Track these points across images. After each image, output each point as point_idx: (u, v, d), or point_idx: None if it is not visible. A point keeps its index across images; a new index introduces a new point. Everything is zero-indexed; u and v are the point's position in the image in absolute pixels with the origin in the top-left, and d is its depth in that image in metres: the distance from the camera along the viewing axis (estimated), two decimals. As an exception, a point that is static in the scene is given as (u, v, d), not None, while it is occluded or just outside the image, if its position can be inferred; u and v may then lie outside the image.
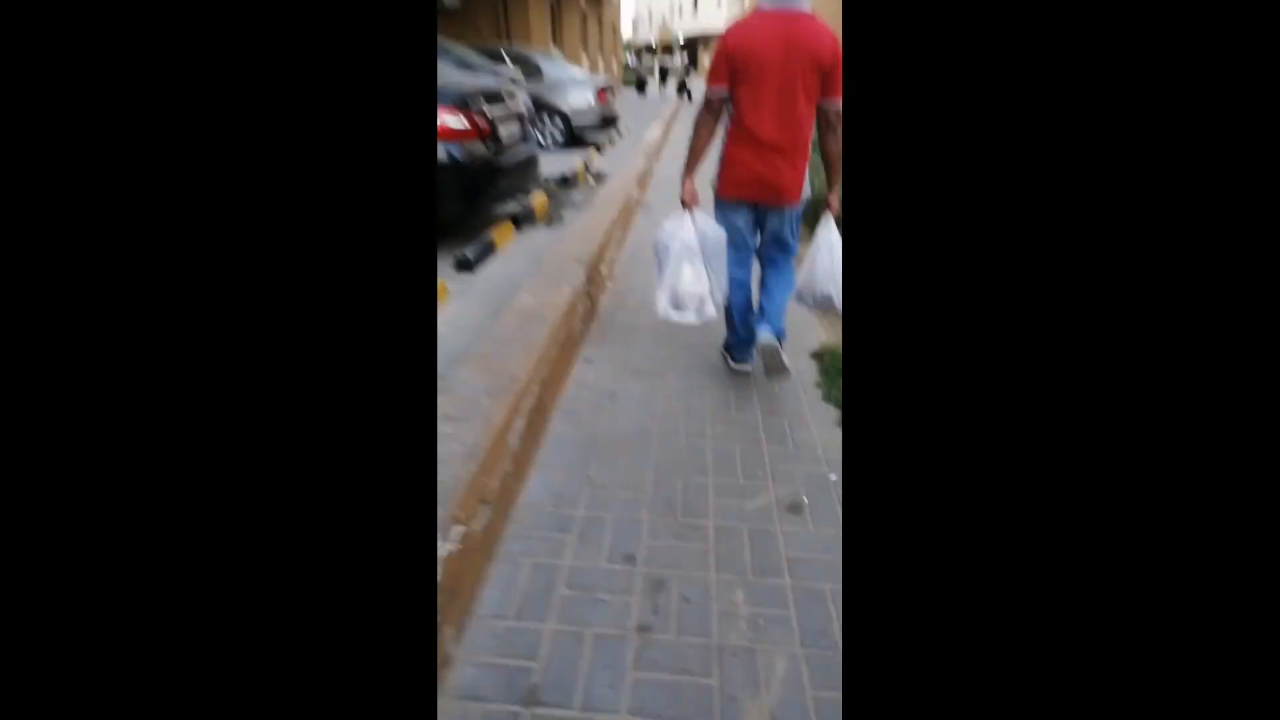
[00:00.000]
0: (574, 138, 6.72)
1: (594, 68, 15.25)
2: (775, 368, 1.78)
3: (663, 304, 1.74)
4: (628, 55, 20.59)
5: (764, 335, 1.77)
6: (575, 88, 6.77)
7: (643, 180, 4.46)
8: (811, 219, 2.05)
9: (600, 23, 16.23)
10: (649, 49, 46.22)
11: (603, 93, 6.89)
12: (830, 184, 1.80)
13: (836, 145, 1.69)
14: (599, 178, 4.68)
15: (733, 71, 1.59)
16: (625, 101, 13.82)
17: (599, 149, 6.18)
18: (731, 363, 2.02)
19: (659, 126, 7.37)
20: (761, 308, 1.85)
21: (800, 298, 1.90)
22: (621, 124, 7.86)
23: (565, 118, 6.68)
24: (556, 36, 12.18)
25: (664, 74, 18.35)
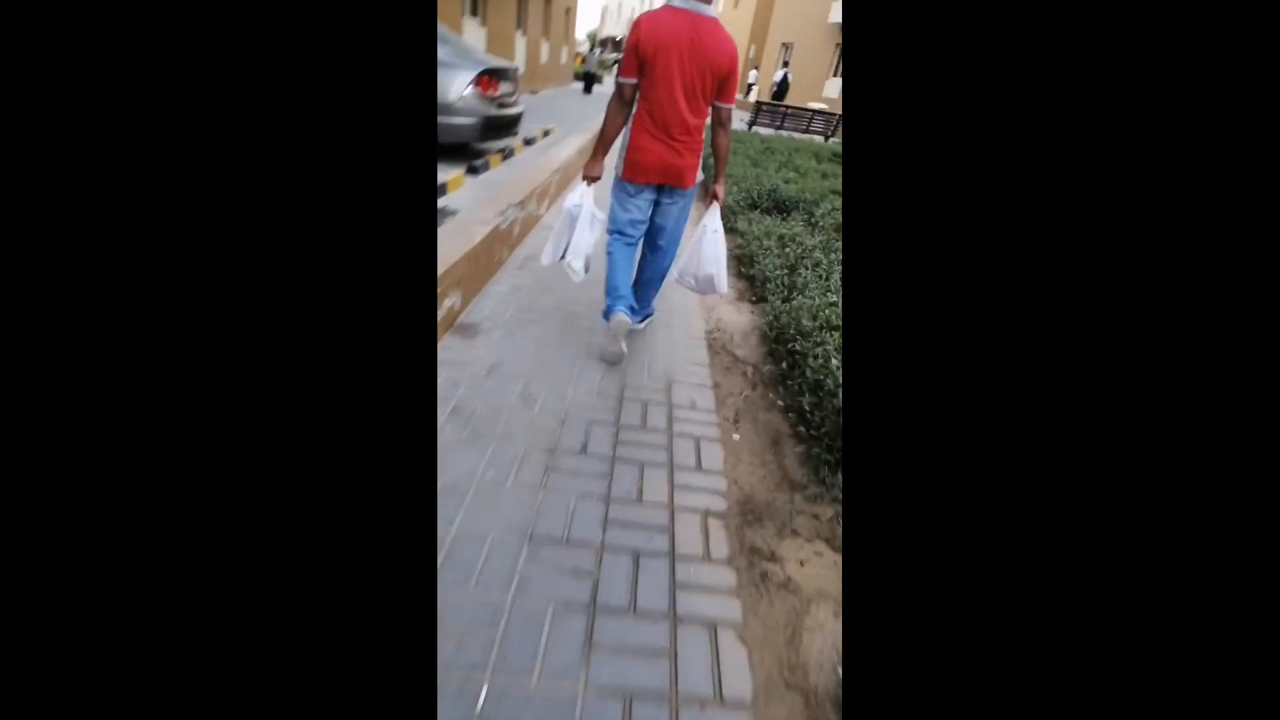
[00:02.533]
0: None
1: (533, 57, 14.14)
2: (612, 345, 2.02)
3: (549, 255, 2.06)
4: (591, 48, 19.16)
5: (618, 312, 1.96)
6: (439, 71, 4.40)
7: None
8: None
9: (549, 3, 15.06)
10: (614, 42, 45.63)
11: (486, 80, 4.54)
12: (717, 175, 2.02)
13: (726, 141, 1.94)
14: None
15: (641, 62, 1.73)
16: (566, 101, 12.95)
17: (473, 169, 4.43)
18: (607, 325, 2.13)
19: (587, 138, 6.05)
20: (631, 308, 2.01)
21: (682, 279, 2.10)
22: (543, 127, 7.02)
23: None
24: (476, 7, 10.52)
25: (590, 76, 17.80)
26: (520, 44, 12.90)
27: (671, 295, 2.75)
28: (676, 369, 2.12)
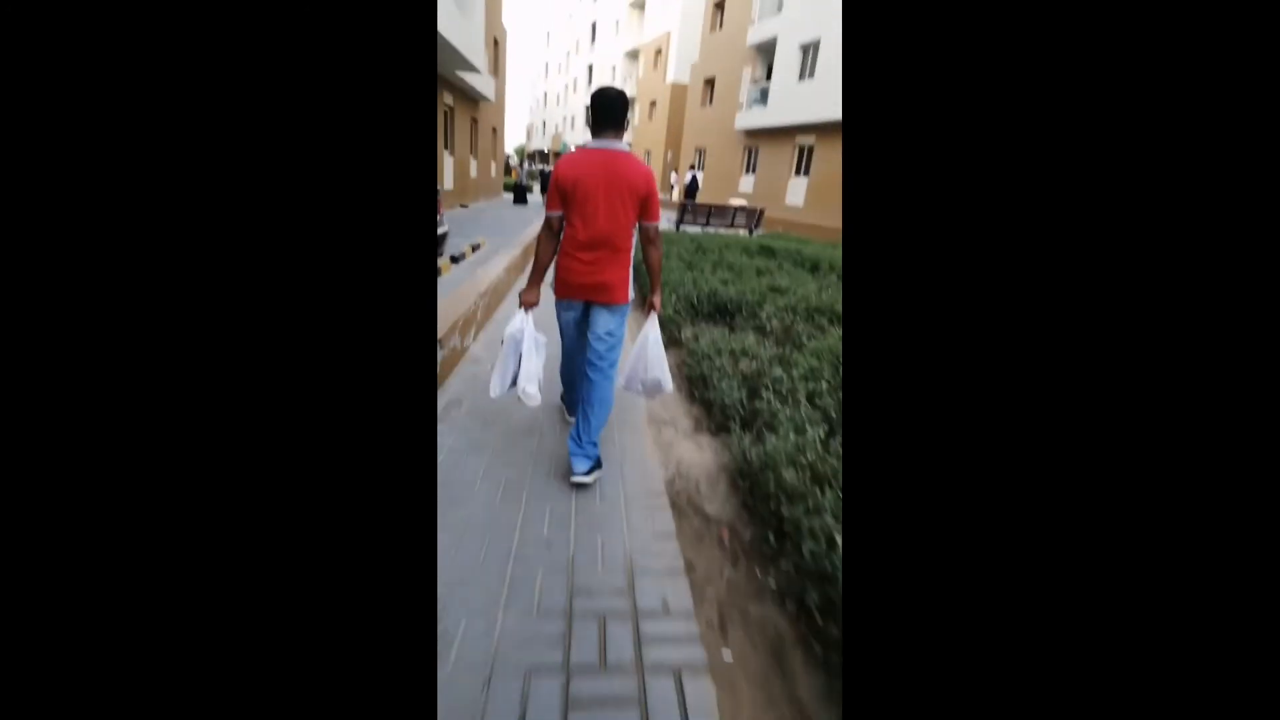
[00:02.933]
0: None
1: (463, 174, 14.49)
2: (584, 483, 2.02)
3: (498, 385, 2.06)
4: (520, 162, 20.02)
5: (578, 473, 2.00)
6: None
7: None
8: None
9: (475, 124, 15.67)
10: (542, 156, 48.38)
11: None
12: (653, 287, 2.13)
13: (656, 256, 2.04)
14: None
15: (563, 196, 1.91)
16: (497, 211, 13.13)
17: None
18: (568, 415, 2.46)
19: (517, 253, 5.83)
20: (578, 434, 2.03)
21: (630, 385, 2.19)
22: (471, 242, 6.86)
23: None
24: (447, 140, 11.16)
25: (545, 181, 18.20)
26: (449, 162, 13.18)
27: (621, 436, 2.40)
28: (638, 548, 1.69)
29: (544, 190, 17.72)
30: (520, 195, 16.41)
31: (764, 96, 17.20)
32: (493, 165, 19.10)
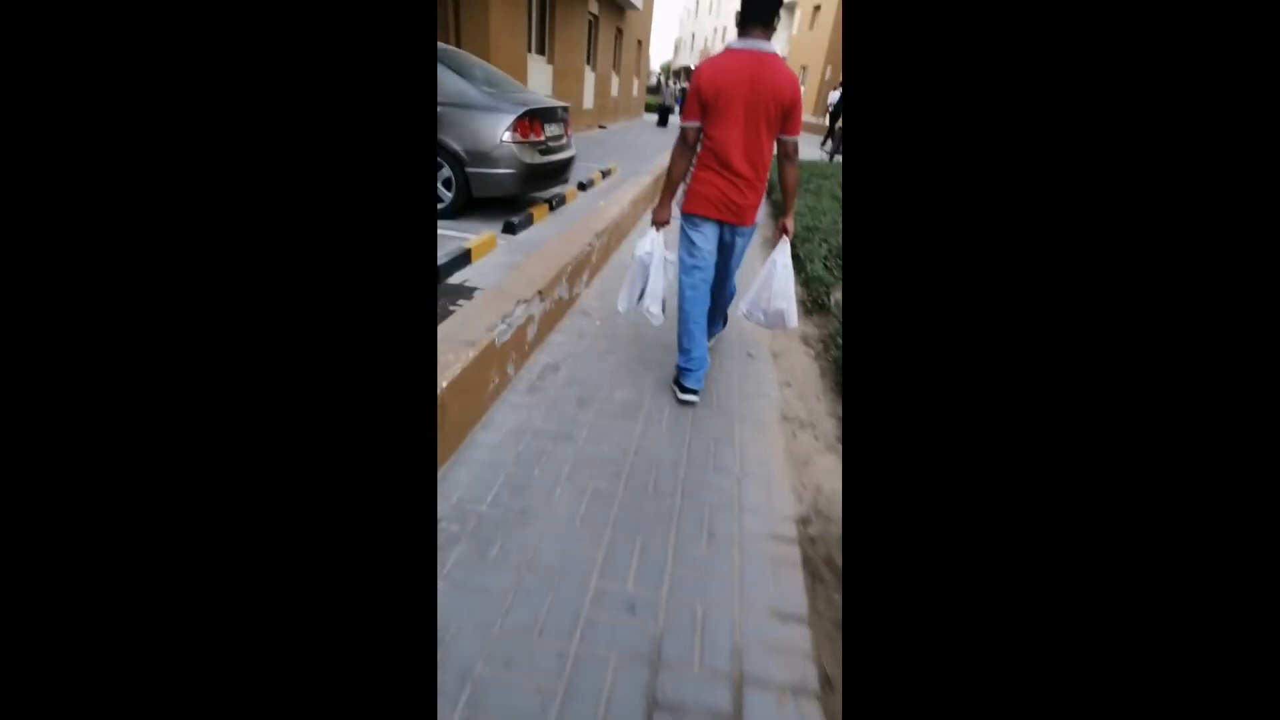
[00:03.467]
0: (471, 200, 3.85)
1: (603, 92, 13.78)
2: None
3: (625, 301, 2.08)
4: (663, 78, 18.45)
5: (690, 393, 2.03)
6: (474, 116, 3.73)
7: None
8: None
9: (620, 36, 14.72)
10: (689, 73, 45.73)
11: (527, 124, 3.86)
12: (786, 209, 2.00)
13: (793, 174, 1.95)
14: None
15: (703, 106, 1.76)
16: (637, 134, 12.42)
17: (510, 226, 3.69)
18: (679, 394, 2.09)
19: (648, 181, 5.21)
20: (712, 312, 2.13)
21: (750, 314, 2.09)
22: (602, 167, 6.27)
23: (458, 162, 3.74)
24: (543, 44, 9.74)
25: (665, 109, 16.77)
26: (589, 79, 12.59)
27: (743, 434, 1.88)
28: (751, 635, 1.20)
29: (660, 113, 15.62)
30: (663, 117, 15.47)
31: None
32: (635, 82, 18.13)
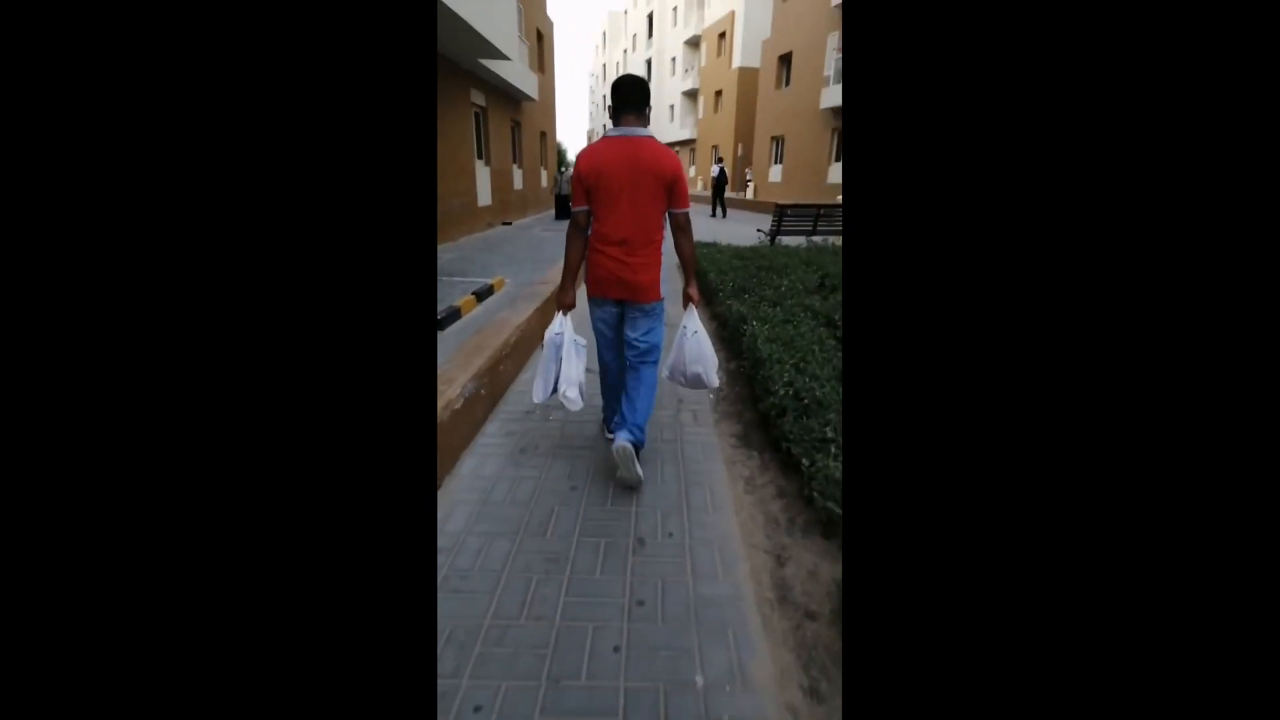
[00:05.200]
0: None
1: (502, 186, 12.54)
2: (626, 471, 1.89)
3: (540, 391, 1.98)
4: (559, 168, 17.05)
5: (620, 440, 1.88)
6: None
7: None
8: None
9: (518, 128, 13.64)
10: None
11: None
12: (687, 279, 1.99)
13: (688, 245, 1.92)
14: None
15: (587, 190, 1.81)
16: (545, 228, 10.91)
17: None
18: (608, 433, 2.21)
19: (548, 290, 3.93)
20: (623, 415, 1.96)
21: (672, 377, 2.08)
22: (477, 286, 4.75)
23: None
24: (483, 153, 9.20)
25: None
26: (483, 175, 11.32)
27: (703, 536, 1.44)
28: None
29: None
30: (563, 208, 13.61)
31: (857, 67, 14.34)
32: (543, 174, 17.19)
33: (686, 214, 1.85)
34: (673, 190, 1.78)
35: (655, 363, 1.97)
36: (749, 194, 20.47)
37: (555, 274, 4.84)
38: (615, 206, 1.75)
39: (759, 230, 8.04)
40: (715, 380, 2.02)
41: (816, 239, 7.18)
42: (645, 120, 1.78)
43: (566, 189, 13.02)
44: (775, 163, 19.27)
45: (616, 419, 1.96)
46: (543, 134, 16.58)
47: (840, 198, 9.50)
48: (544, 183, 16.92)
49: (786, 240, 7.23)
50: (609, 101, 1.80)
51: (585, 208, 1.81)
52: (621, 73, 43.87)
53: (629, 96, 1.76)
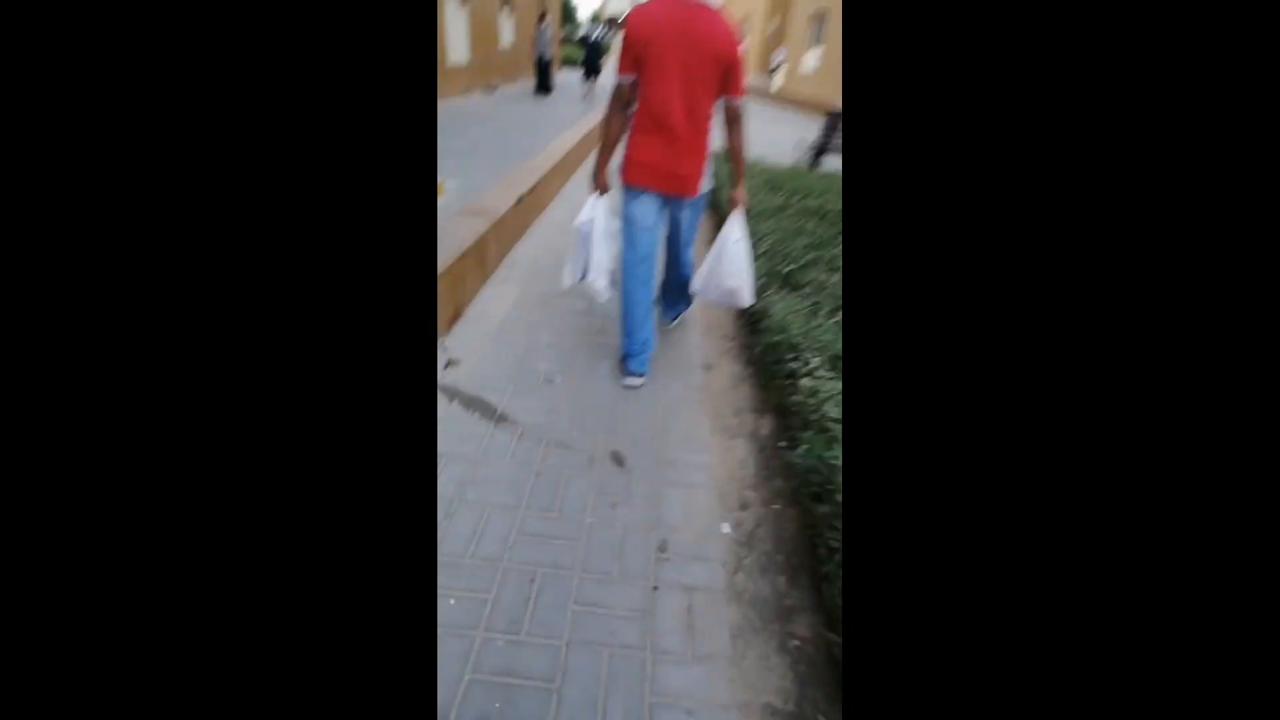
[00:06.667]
0: None
1: (484, 38, 10.07)
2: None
3: (570, 275, 1.91)
4: (591, 25, 12.80)
5: (632, 377, 1.93)
6: None
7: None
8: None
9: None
10: (619, 23, 40.90)
11: None
12: (736, 179, 1.83)
13: (739, 140, 1.75)
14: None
15: (636, 58, 1.60)
16: (543, 105, 8.82)
17: None
18: (624, 377, 2.01)
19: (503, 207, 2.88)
20: (664, 287, 2.04)
21: (704, 293, 1.98)
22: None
23: None
24: None
25: (590, 53, 10.34)
26: (459, 20, 8.96)
27: None
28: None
29: (585, 65, 10.52)
30: (544, 77, 9.67)
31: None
32: (547, 24, 14.25)
33: (740, 104, 1.69)
34: (729, 75, 1.60)
35: (688, 257, 1.92)
36: (775, 83, 17.68)
37: (514, 182, 3.41)
38: (666, 83, 1.58)
39: (804, 142, 6.27)
40: (749, 297, 1.92)
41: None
42: None
43: (548, 51, 9.87)
44: (815, 44, 16.37)
45: (665, 306, 1.95)
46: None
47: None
48: (538, 42, 14.04)
49: (833, 160, 5.62)
50: None
51: (633, 77, 1.62)
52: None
53: None
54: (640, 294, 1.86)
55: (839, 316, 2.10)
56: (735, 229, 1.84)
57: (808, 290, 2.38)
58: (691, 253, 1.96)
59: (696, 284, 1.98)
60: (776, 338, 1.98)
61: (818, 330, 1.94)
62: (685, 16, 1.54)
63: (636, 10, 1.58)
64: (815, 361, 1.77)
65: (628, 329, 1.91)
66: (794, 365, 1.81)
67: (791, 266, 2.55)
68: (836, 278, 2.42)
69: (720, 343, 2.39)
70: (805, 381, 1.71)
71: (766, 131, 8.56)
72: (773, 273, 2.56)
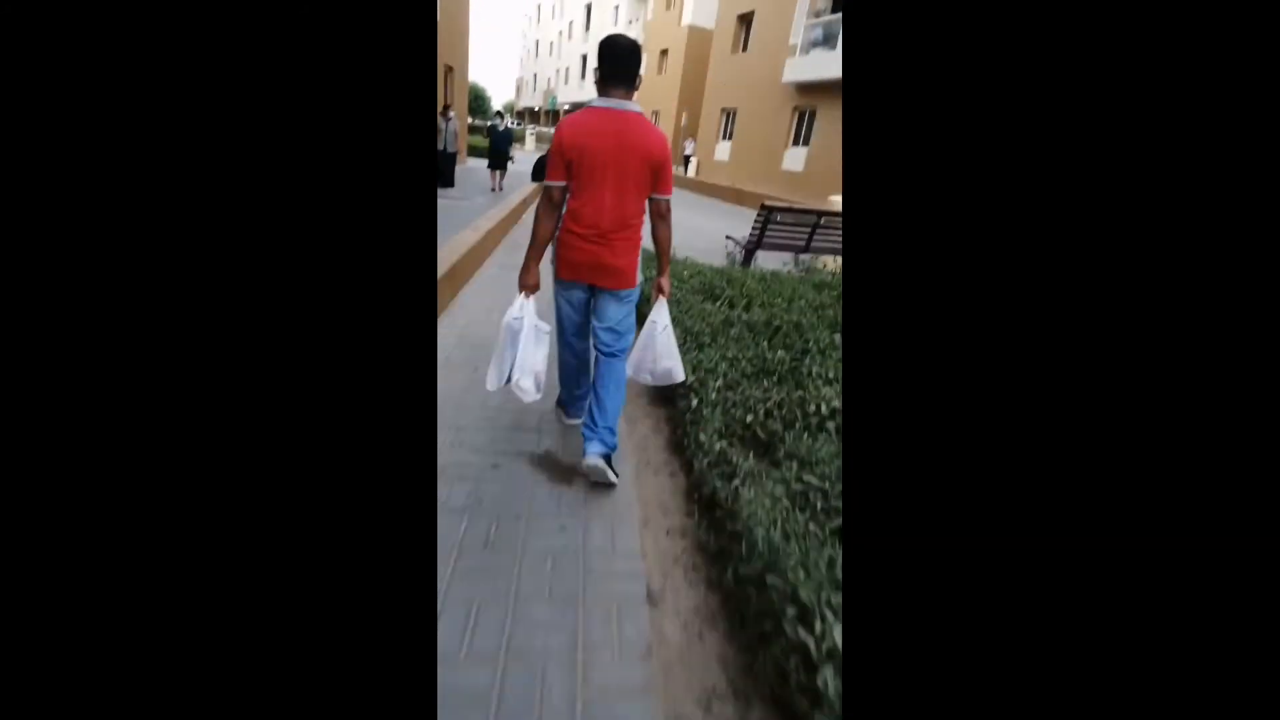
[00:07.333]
0: None
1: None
2: (600, 478, 1.77)
3: (495, 379, 1.82)
4: (499, 118, 11.97)
5: (590, 458, 1.73)
6: None
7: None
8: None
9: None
10: (532, 115, 42.49)
11: None
12: (660, 269, 1.88)
13: (666, 233, 1.80)
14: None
15: (568, 164, 1.64)
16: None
17: None
18: (565, 418, 2.14)
19: None
20: (592, 418, 1.78)
21: (638, 374, 1.95)
22: None
23: None
24: None
25: (497, 141, 9.94)
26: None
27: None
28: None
29: (491, 156, 10.01)
30: (448, 168, 8.80)
31: (827, 37, 12.40)
32: (444, 124, 13.92)
33: (669, 201, 1.74)
34: (659, 174, 1.66)
35: (624, 358, 1.85)
36: (689, 171, 18.33)
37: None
38: (597, 187, 1.62)
39: (728, 239, 5.58)
40: (681, 373, 1.93)
41: (803, 257, 5.23)
42: (633, 92, 1.64)
43: (452, 145, 9.13)
44: (724, 138, 17.18)
45: (586, 419, 1.78)
46: (449, 69, 13.38)
47: (835, 199, 7.53)
48: (442, 135, 13.60)
49: (764, 257, 5.18)
50: (597, 66, 1.64)
51: (563, 183, 1.64)
52: (556, 18, 39.88)
53: (622, 64, 1.59)
54: (571, 375, 1.97)
55: (839, 519, 1.37)
56: (663, 315, 1.88)
57: (782, 456, 1.67)
58: (624, 366, 1.85)
59: (630, 369, 1.92)
60: (759, 571, 1.21)
61: (818, 552, 1.19)
62: (617, 127, 1.58)
63: (568, 121, 1.61)
64: (832, 631, 1.01)
65: (564, 383, 2.04)
66: (799, 637, 1.04)
67: (751, 417, 1.85)
68: (821, 439, 1.73)
69: (668, 545, 1.58)
70: (826, 677, 0.93)
71: (687, 219, 8.28)
72: (730, 430, 1.82)
